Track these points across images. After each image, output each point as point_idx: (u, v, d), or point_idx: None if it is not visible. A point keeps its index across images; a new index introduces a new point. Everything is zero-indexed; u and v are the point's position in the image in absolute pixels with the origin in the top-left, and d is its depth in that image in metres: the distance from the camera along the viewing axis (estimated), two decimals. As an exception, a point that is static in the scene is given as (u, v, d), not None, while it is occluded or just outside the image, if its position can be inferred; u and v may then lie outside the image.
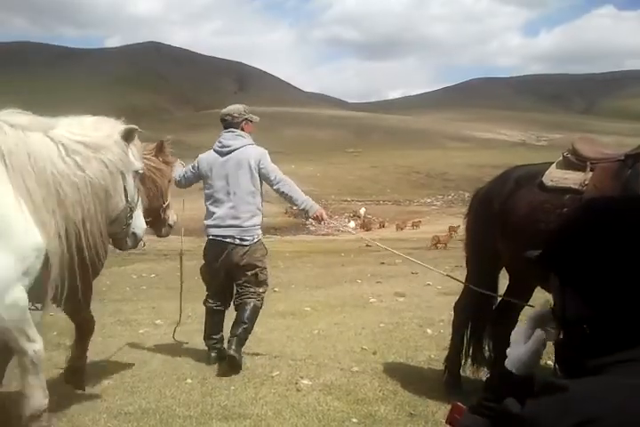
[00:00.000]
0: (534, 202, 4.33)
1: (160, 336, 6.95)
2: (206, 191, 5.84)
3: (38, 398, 3.35)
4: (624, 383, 1.35)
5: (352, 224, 43.26)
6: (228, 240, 5.66)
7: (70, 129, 3.48)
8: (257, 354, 5.96)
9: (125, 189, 3.72)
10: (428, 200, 70.87)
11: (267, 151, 5.84)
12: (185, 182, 5.98)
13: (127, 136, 3.68)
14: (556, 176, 4.34)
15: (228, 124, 5.90)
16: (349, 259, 18.26)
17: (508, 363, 1.73)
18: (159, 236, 5.49)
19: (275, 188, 5.74)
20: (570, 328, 1.54)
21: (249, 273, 5.74)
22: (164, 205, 5.26)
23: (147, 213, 4.45)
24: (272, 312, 8.80)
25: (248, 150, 5.76)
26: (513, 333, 1.80)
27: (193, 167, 5.91)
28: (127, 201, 3.76)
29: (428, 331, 7.19)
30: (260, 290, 5.84)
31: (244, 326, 5.60)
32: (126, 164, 3.69)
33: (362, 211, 54.90)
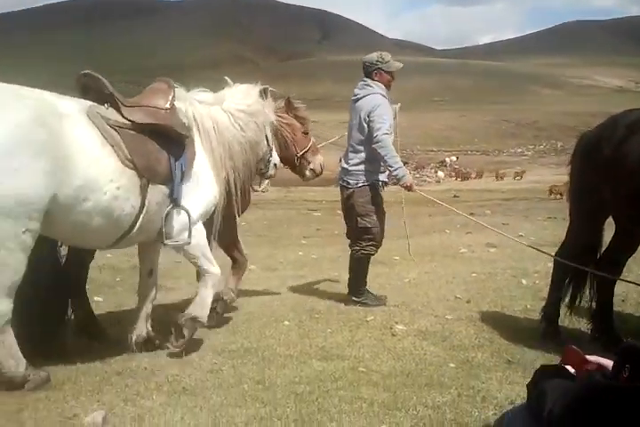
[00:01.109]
0: None
1: (255, 281, 7.14)
2: None
3: (203, 309, 4.37)
4: None
5: (441, 174, 42.51)
6: (340, 182, 6.03)
7: (233, 100, 4.57)
8: (350, 300, 6.04)
9: (267, 137, 4.87)
10: (519, 150, 68.58)
11: (381, 104, 5.75)
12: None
13: (264, 95, 4.76)
14: None
15: (364, 72, 6.00)
16: (437, 209, 18.04)
17: None
18: (303, 180, 6.15)
19: (373, 146, 5.73)
20: None
21: (352, 217, 5.93)
22: (298, 155, 5.82)
23: (283, 161, 5.61)
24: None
25: (367, 100, 5.81)
26: None
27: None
28: (268, 145, 4.91)
29: (523, 281, 7.08)
30: (362, 238, 5.92)
31: (349, 277, 6.12)
32: (267, 118, 4.82)
33: (451, 159, 53.64)
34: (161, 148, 3.96)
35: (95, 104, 3.85)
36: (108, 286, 7.03)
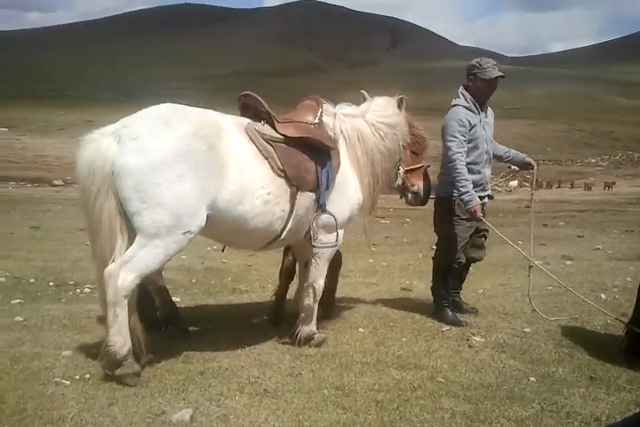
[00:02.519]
0: None
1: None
2: None
3: (312, 320, 4.81)
4: None
5: (514, 183, 41.57)
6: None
7: (374, 113, 4.93)
8: (423, 309, 6.01)
9: (399, 146, 5.11)
10: (593, 160, 66.47)
11: (453, 119, 5.49)
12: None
13: (400, 105, 5.05)
14: None
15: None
16: (508, 220, 17.70)
17: None
18: (406, 202, 5.65)
19: (448, 164, 5.54)
20: None
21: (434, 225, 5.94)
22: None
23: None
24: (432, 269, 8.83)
25: (448, 113, 5.63)
26: None
27: None
28: (399, 153, 5.16)
29: (602, 296, 6.87)
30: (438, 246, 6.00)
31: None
32: (404, 128, 5.10)
33: (514, 168, 52.32)
34: (309, 158, 4.40)
35: (252, 121, 4.33)
36: (185, 288, 7.22)
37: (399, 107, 5.06)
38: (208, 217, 3.89)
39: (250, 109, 4.48)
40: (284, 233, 4.34)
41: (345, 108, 4.98)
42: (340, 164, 4.59)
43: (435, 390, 3.85)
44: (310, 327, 4.78)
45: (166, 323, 4.97)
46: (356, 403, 3.58)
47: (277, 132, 4.34)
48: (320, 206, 4.46)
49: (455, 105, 5.61)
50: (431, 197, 5.76)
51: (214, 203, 3.89)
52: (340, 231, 4.70)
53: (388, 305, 6.30)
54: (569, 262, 9.45)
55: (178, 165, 3.72)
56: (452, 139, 5.45)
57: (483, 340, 5.02)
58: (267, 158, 4.17)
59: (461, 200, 5.51)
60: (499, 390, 3.88)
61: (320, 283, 4.78)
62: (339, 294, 6.83)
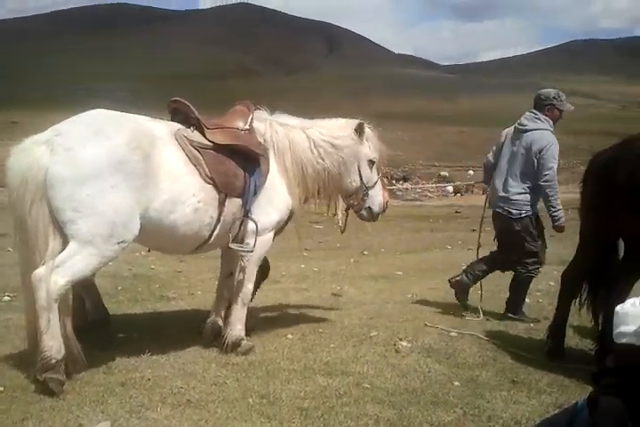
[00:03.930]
0: None
1: (257, 293, 7.12)
2: (495, 160, 6.26)
3: (240, 324, 4.78)
4: None
5: (450, 189, 42.37)
6: (498, 210, 6.13)
7: (321, 130, 4.91)
8: (353, 314, 6.04)
9: (360, 174, 5.05)
10: (520, 167, 68.52)
11: (554, 143, 5.86)
12: (492, 158, 6.34)
13: (359, 131, 4.98)
14: None
15: (535, 104, 6.08)
16: (438, 225, 18.06)
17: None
18: (361, 217, 5.45)
19: (541, 183, 5.88)
20: None
21: (514, 244, 6.17)
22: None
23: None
24: (364, 275, 8.90)
25: (539, 135, 5.92)
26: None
27: (497, 142, 6.31)
28: (362, 182, 5.08)
29: (527, 300, 7.03)
30: (529, 261, 6.22)
31: (509, 295, 6.34)
32: (360, 155, 5.03)
33: (443, 174, 53.30)
34: (238, 165, 4.45)
35: (182, 127, 4.37)
36: (110, 295, 6.99)
37: (358, 132, 5.00)
38: (141, 226, 3.93)
39: (180, 115, 4.52)
40: (212, 238, 4.41)
41: (282, 118, 5.00)
42: (268, 169, 4.63)
43: (360, 396, 3.86)
44: (238, 333, 4.73)
45: (95, 327, 4.79)
46: (280, 411, 3.55)
47: (206, 138, 4.38)
48: (246, 212, 4.51)
49: (544, 129, 5.93)
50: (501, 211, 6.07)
51: (147, 212, 3.94)
52: (268, 235, 4.73)
53: (317, 311, 6.29)
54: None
55: (112, 175, 3.75)
56: (554, 161, 5.87)
57: (409, 345, 5.07)
58: (196, 166, 4.22)
59: (555, 217, 5.95)
60: (423, 395, 3.92)
61: (249, 287, 4.79)
62: (269, 300, 6.80)
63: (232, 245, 4.55)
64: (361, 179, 5.11)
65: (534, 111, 6.03)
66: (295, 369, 4.36)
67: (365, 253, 11.23)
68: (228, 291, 4.94)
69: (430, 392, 3.98)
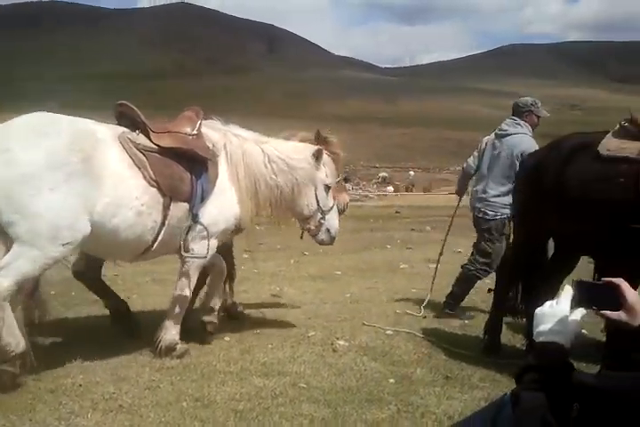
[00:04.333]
0: (590, 171, 4.24)
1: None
2: (477, 165, 6.40)
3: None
4: None
5: (390, 188, 42.91)
6: (475, 211, 6.28)
7: (277, 147, 4.90)
8: (291, 315, 6.04)
9: (317, 198, 5.04)
10: (458, 168, 70.10)
11: (534, 147, 5.86)
12: (473, 164, 6.47)
13: (317, 157, 4.96)
14: (613, 146, 4.24)
15: (514, 112, 6.24)
16: (378, 225, 18.23)
17: (558, 337, 1.71)
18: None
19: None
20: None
21: (480, 240, 6.32)
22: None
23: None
24: (303, 275, 8.91)
25: (517, 139, 6.06)
26: (552, 308, 1.78)
27: (479, 148, 6.44)
28: (319, 206, 5.07)
29: (461, 297, 7.19)
30: (479, 260, 6.36)
31: (451, 290, 6.53)
32: (316, 179, 5.02)
33: (383, 176, 53.99)
34: (184, 169, 4.38)
35: (127, 130, 4.29)
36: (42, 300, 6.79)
37: (315, 157, 4.97)
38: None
39: (126, 119, 4.46)
40: (156, 244, 4.33)
41: (238, 130, 4.99)
42: (217, 175, 4.58)
43: (296, 396, 3.86)
44: (172, 337, 4.65)
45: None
46: (214, 414, 3.51)
47: (152, 142, 4.32)
48: (193, 217, 4.43)
49: (524, 133, 6.10)
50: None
51: (91, 215, 3.88)
52: (213, 242, 4.65)
53: (256, 313, 6.26)
54: (432, 266, 9.83)
55: (51, 176, 3.70)
56: None
57: (347, 344, 5.10)
58: (140, 169, 4.15)
59: None
60: (358, 393, 3.95)
61: (187, 292, 4.74)
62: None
63: (185, 255, 4.52)
64: (318, 203, 5.07)
65: (514, 117, 6.22)
66: (231, 371, 4.32)
67: (306, 253, 11.25)
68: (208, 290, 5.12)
69: (365, 390, 4.02)
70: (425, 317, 6.20)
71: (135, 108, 4.42)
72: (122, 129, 4.30)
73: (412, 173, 55.77)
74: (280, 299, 6.97)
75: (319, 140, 5.40)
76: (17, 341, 3.75)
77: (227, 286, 5.78)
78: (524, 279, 5.07)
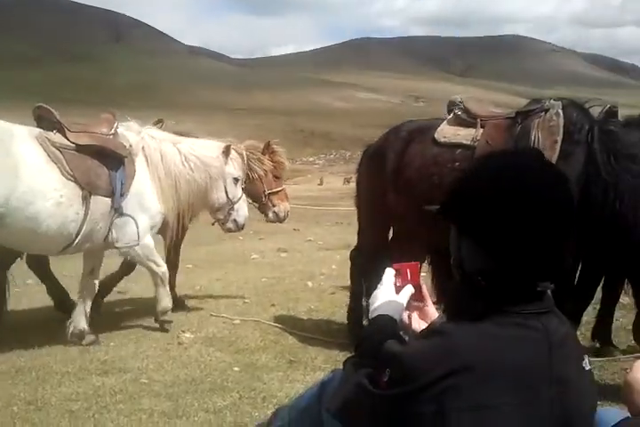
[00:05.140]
0: (428, 156, 4.49)
1: (32, 295, 6.67)
2: None
3: (165, 301, 5.22)
4: (501, 334, 1.47)
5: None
6: None
7: (192, 146, 5.26)
8: (137, 311, 5.90)
9: (226, 190, 5.42)
10: (311, 159, 71.47)
11: None
12: None
13: (226, 153, 5.37)
14: (449, 132, 4.53)
15: (448, 111, 5.81)
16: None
17: (388, 312, 1.81)
18: (267, 221, 6.45)
19: None
20: (465, 277, 1.61)
21: None
22: (265, 193, 6.08)
23: (249, 196, 5.97)
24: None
25: None
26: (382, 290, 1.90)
27: None
28: (228, 198, 5.45)
29: (309, 284, 7.38)
30: None
31: None
32: (226, 174, 5.40)
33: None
34: (101, 165, 4.65)
35: (44, 131, 4.57)
36: None
37: (224, 153, 5.36)
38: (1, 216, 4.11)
39: (44, 121, 4.70)
40: (79, 237, 4.55)
41: (153, 130, 5.29)
42: (135, 172, 4.83)
43: (136, 391, 3.79)
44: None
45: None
46: (48, 416, 3.37)
47: (68, 140, 4.58)
48: (116, 210, 4.70)
49: None
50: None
51: (6, 202, 4.09)
52: (140, 232, 4.86)
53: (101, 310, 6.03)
54: (284, 255, 10.01)
55: None
56: None
57: (192, 336, 5.07)
58: (56, 164, 4.42)
59: None
60: (202, 384, 3.95)
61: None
62: (42, 301, 6.37)
63: (118, 245, 4.82)
64: (227, 195, 5.44)
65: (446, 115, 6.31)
66: (69, 371, 4.16)
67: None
68: (88, 288, 5.05)
69: (209, 380, 4.02)
70: (273, 305, 6.28)
71: (52, 110, 4.69)
72: (38, 129, 4.58)
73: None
74: (124, 295, 6.76)
75: (267, 149, 6.07)
76: None
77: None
78: (372, 261, 5.23)
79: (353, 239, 5.60)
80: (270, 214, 6.21)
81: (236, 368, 4.28)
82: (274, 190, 6.12)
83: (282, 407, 2.34)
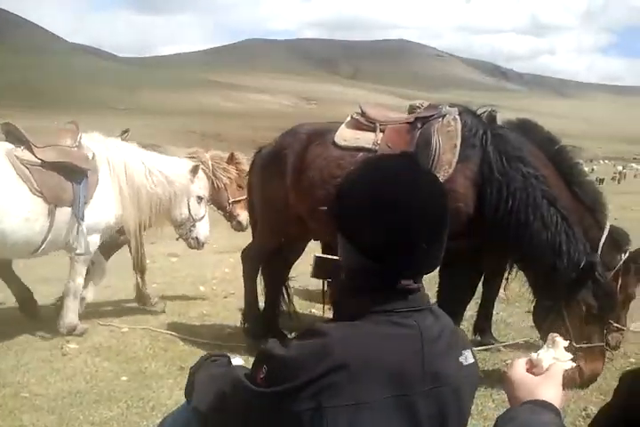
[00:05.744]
0: (330, 158, 4.56)
1: None
2: None
3: (70, 317, 5.23)
4: (376, 332, 1.53)
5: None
6: None
7: (158, 161, 5.41)
8: (18, 322, 5.62)
9: (189, 208, 5.59)
10: (203, 160, 70.72)
11: None
12: None
13: (193, 172, 5.55)
14: (348, 136, 4.63)
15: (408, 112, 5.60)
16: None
17: None
18: (233, 228, 6.67)
19: None
20: (344, 275, 1.65)
21: None
22: (230, 201, 6.35)
23: (214, 204, 6.35)
24: (34, 278, 8.31)
25: None
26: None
27: None
28: (190, 215, 5.61)
29: (201, 288, 7.32)
30: None
31: None
32: (190, 192, 5.57)
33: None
34: (66, 178, 4.87)
35: (13, 147, 4.80)
36: None
37: (192, 172, 5.52)
38: None
39: (12, 136, 4.92)
40: (44, 244, 4.83)
41: (120, 142, 5.51)
42: (97, 181, 5.04)
43: (17, 407, 3.64)
44: (71, 321, 5.14)
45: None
46: None
47: (35, 156, 4.79)
48: (77, 219, 4.89)
49: None
50: None
51: None
52: (95, 239, 5.12)
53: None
54: (174, 259, 9.82)
55: None
56: None
57: (78, 346, 4.91)
58: (25, 182, 4.65)
59: None
60: (87, 396, 3.84)
61: (79, 281, 5.23)
62: None
63: (78, 251, 4.98)
64: (189, 212, 5.59)
65: None
66: None
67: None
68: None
69: (95, 391, 3.92)
70: (164, 311, 6.17)
71: (18, 127, 4.92)
72: (10, 146, 4.80)
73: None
74: (3, 305, 6.43)
75: (231, 160, 6.37)
76: None
77: (138, 278, 6.36)
78: (267, 264, 5.24)
79: (246, 242, 5.60)
80: (234, 223, 6.48)
81: (123, 378, 4.19)
82: (237, 199, 6.35)
83: (169, 415, 2.32)
